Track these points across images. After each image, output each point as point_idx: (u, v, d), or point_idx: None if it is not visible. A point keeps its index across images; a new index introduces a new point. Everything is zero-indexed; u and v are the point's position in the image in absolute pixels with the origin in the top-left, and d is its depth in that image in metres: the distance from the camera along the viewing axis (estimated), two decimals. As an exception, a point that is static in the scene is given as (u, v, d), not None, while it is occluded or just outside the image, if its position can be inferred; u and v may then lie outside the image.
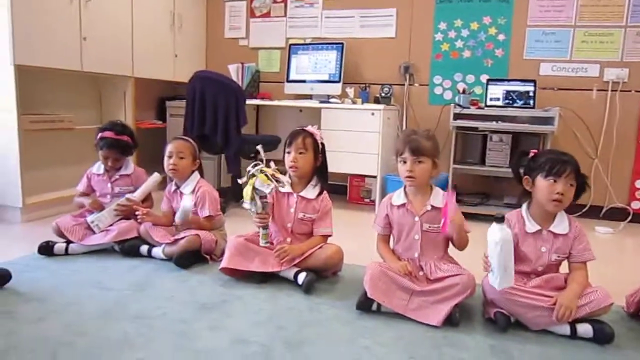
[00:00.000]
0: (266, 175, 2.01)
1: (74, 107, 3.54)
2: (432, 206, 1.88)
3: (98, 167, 2.60)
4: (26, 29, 2.86)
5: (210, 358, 1.48)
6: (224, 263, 2.07)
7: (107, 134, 2.50)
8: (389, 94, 3.85)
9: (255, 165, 2.03)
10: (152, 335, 1.61)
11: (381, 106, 3.57)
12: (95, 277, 2.10)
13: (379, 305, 1.80)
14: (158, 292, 1.97)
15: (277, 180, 2.04)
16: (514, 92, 3.51)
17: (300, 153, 2.13)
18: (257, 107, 4.35)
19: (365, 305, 1.81)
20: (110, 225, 2.42)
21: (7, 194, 2.98)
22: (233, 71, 4.22)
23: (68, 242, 2.39)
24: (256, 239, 2.14)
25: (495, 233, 1.58)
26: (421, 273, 1.87)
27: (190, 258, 2.26)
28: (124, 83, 3.72)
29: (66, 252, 2.36)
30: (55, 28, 3.05)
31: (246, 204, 2.06)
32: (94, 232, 2.42)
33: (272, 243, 2.17)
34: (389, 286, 1.80)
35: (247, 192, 2.03)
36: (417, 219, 1.89)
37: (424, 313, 1.75)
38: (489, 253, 1.63)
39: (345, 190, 4.03)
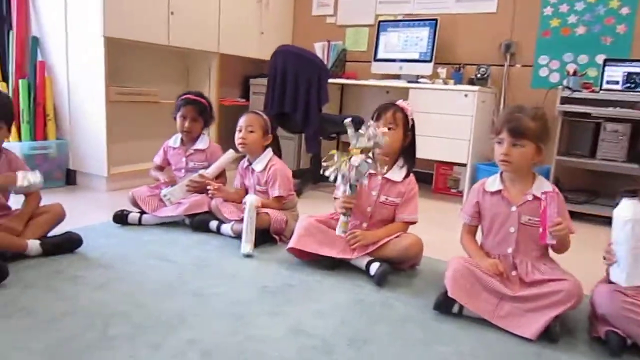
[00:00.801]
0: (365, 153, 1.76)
1: (160, 81, 3.59)
2: (534, 196, 1.58)
3: (174, 140, 2.58)
4: (117, 1, 2.89)
5: (263, 348, 1.34)
6: (291, 243, 1.92)
7: (185, 95, 2.53)
8: (485, 75, 3.48)
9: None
10: (208, 314, 1.51)
11: (476, 88, 3.23)
12: (162, 249, 2.06)
13: (460, 307, 1.55)
14: (221, 270, 1.87)
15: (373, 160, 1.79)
16: (637, 74, 3.01)
17: (390, 128, 1.91)
18: (342, 87, 4.17)
19: (445, 305, 1.57)
20: (183, 199, 2.37)
21: (95, 163, 3.07)
22: (319, 49, 4.07)
23: (142, 212, 2.38)
24: (329, 222, 1.97)
25: (624, 211, 1.28)
26: (514, 273, 1.59)
27: (259, 237, 2.14)
28: (209, 59, 3.71)
29: (139, 222, 2.36)
30: (144, 2, 3.07)
31: (331, 175, 1.79)
32: (166, 204, 2.39)
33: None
34: (475, 286, 1.54)
35: (340, 164, 1.79)
36: (514, 208, 1.61)
37: (515, 322, 1.47)
38: (614, 238, 1.33)
39: (430, 179, 3.74)
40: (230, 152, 2.47)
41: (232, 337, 1.38)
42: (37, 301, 1.53)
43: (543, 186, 1.59)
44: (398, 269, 1.92)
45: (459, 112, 3.23)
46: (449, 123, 3.26)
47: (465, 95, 3.21)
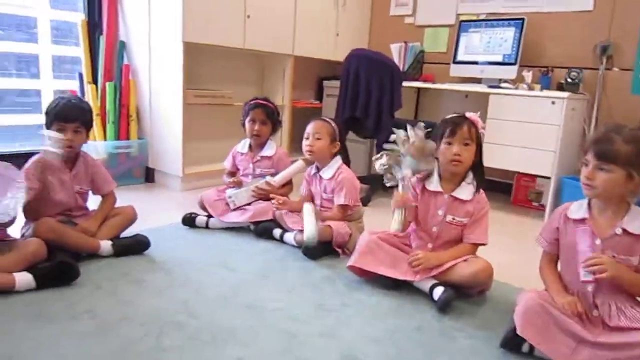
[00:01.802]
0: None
1: (234, 84, 3.65)
2: (624, 230, 1.39)
3: (243, 145, 2.61)
4: (195, 7, 2.97)
5: (312, 374, 1.29)
6: (352, 261, 1.85)
7: (253, 100, 2.56)
8: (576, 80, 3.18)
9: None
10: (260, 330, 1.48)
11: (565, 94, 2.96)
12: (225, 256, 2.07)
13: (531, 347, 1.41)
14: (279, 282, 1.85)
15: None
16: None
17: (466, 144, 1.78)
18: (418, 90, 4.01)
19: (513, 343, 1.43)
20: (248, 204, 2.39)
21: (171, 163, 3.19)
22: (395, 51, 3.95)
23: (209, 215, 2.42)
24: (392, 239, 1.89)
25: None
26: (595, 314, 1.41)
27: (320, 249, 2.10)
28: (284, 61, 3.72)
29: (206, 226, 2.40)
30: (221, 6, 3.13)
31: (380, 169, 1.86)
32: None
33: (409, 245, 1.90)
34: (549, 326, 1.38)
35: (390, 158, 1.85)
36: (598, 242, 1.42)
37: (595, 372, 1.31)
38: None
39: (509, 190, 3.50)
40: (299, 163, 2.45)
41: (282, 358, 1.35)
42: (101, 304, 1.59)
43: (637, 219, 1.39)
44: (465, 294, 1.79)
45: (545, 120, 2.98)
46: (533, 132, 3.02)
47: (553, 103, 2.95)
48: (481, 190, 1.86)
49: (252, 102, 2.54)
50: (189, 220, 2.40)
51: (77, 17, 3.37)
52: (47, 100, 3.32)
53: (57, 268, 1.69)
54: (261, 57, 3.77)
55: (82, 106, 1.97)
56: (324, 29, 3.96)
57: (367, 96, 3.01)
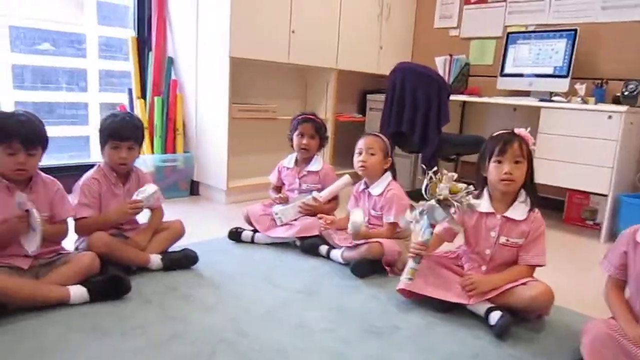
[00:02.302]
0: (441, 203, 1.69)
1: (278, 98, 3.67)
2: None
3: (289, 160, 2.60)
4: (242, 23, 3.01)
5: (367, 401, 1.24)
6: (401, 283, 1.79)
7: (301, 115, 2.57)
8: (635, 92, 3.03)
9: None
10: (310, 351, 1.45)
11: (623, 107, 2.82)
12: (271, 272, 2.06)
13: (600, 380, 1.32)
14: (327, 301, 1.81)
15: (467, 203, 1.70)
16: None
17: (517, 162, 1.71)
18: (463, 104, 3.93)
19: (580, 375, 1.35)
20: (294, 220, 2.37)
21: (216, 176, 3.22)
22: (440, 64, 3.89)
23: (255, 230, 2.42)
24: (443, 260, 1.83)
25: None
26: (671, 347, 1.31)
27: (369, 267, 2.06)
28: (327, 75, 3.72)
29: (252, 241, 2.40)
30: (267, 22, 3.16)
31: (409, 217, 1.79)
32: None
33: (461, 267, 1.84)
34: (618, 358, 1.29)
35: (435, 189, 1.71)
36: (674, 270, 1.33)
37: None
38: None
39: (560, 207, 3.36)
40: (346, 178, 2.42)
41: (334, 383, 1.31)
42: (152, 319, 1.59)
43: None
44: (522, 318, 1.70)
45: (601, 135, 2.84)
46: (587, 147, 2.89)
47: (610, 117, 2.82)
48: (536, 209, 1.78)
49: (300, 117, 2.54)
50: (235, 235, 2.40)
51: (123, 33, 3.49)
52: (94, 112, 3.45)
53: (110, 282, 1.71)
54: (304, 71, 3.78)
55: (135, 124, 2.01)
56: (367, 43, 3.94)
57: (413, 110, 2.97)
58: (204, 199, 3.34)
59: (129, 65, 3.48)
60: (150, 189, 1.99)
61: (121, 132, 1.93)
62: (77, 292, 1.65)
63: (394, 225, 2.16)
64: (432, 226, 1.74)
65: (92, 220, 1.91)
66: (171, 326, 1.56)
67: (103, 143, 1.96)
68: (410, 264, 1.76)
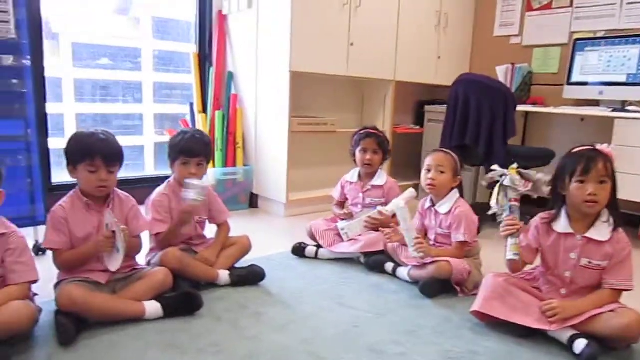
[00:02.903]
0: (520, 173, 1.71)
1: (336, 111, 3.67)
2: None
3: (352, 175, 2.58)
4: (302, 38, 3.03)
5: None
6: (476, 305, 1.72)
7: (364, 130, 2.54)
8: None
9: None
10: (388, 378, 1.41)
11: None
12: (337, 290, 2.03)
13: None
14: (398, 322, 1.77)
15: (531, 182, 1.71)
16: None
17: (602, 182, 1.60)
18: (526, 114, 3.79)
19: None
20: (359, 235, 2.34)
21: (275, 189, 3.24)
22: (501, 73, 3.77)
23: (318, 246, 2.41)
24: (521, 282, 1.74)
25: None
26: None
27: (438, 287, 1.99)
28: (385, 87, 3.68)
29: (315, 256, 2.39)
30: (326, 35, 3.16)
31: (493, 207, 1.75)
32: (342, 239, 2.39)
33: (538, 289, 1.74)
34: None
35: (495, 191, 1.75)
36: None
37: None
38: None
39: (636, 223, 3.16)
40: (410, 192, 2.37)
41: (416, 413, 1.26)
42: (225, 337, 1.60)
43: None
44: (609, 347, 1.59)
45: (684, 147, 2.66)
46: (667, 160, 2.71)
47: (694, 128, 2.63)
48: (620, 229, 1.66)
49: (362, 132, 2.51)
50: (299, 250, 2.40)
51: (178, 47, 3.61)
52: (148, 123, 3.58)
53: (184, 298, 1.73)
54: (361, 83, 3.76)
55: (204, 140, 2.05)
56: (425, 53, 3.87)
57: (478, 123, 2.87)
58: (263, 212, 3.36)
59: (182, 77, 3.60)
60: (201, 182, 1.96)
61: (191, 149, 1.97)
62: (152, 307, 1.69)
63: (464, 244, 2.09)
64: (512, 200, 1.73)
65: (164, 235, 1.95)
66: (245, 345, 1.55)
67: (173, 159, 2.01)
68: (510, 240, 1.71)
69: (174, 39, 3.62)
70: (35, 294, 1.63)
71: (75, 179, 1.75)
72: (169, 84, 3.67)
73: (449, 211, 2.12)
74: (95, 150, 1.68)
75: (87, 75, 3.27)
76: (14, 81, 2.36)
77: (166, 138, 3.55)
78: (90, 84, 3.30)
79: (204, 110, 3.51)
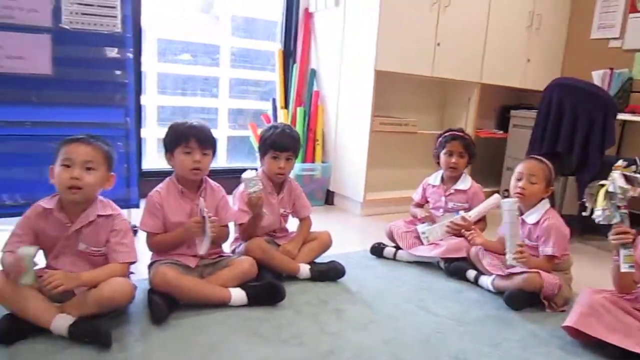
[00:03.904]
0: (626, 176, 1.58)
1: (416, 112, 3.61)
2: None
3: (435, 178, 2.52)
4: (389, 37, 3.00)
5: None
6: (570, 321, 1.62)
7: (449, 132, 2.47)
8: None
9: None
10: (473, 389, 1.36)
11: None
12: (417, 294, 2.00)
13: None
14: (482, 333, 1.70)
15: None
16: None
17: None
18: (623, 123, 3.52)
19: None
20: (440, 239, 2.29)
21: (353, 188, 3.24)
22: (597, 78, 3.53)
23: (397, 247, 2.38)
24: (621, 303, 1.62)
25: None
26: None
27: (525, 299, 1.90)
28: (469, 89, 3.57)
29: (394, 257, 2.36)
30: (413, 35, 3.11)
31: (598, 213, 1.61)
32: (422, 243, 2.34)
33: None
34: None
35: (600, 197, 1.60)
36: None
37: None
38: None
39: None
40: (496, 197, 2.28)
41: None
42: (306, 331, 1.62)
43: None
44: None
45: None
46: None
47: None
48: None
49: (448, 134, 2.45)
50: (377, 250, 2.38)
51: (255, 45, 3.70)
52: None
53: (267, 288, 1.77)
54: (445, 84, 3.67)
55: (294, 136, 2.08)
56: (514, 55, 3.72)
57: (572, 130, 2.71)
58: (338, 209, 3.37)
59: (258, 74, 3.71)
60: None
61: (282, 143, 2.01)
62: (237, 294, 1.74)
63: (552, 258, 1.98)
64: (621, 208, 1.59)
65: (245, 227, 2.00)
66: (326, 340, 1.56)
67: (263, 153, 2.06)
68: (623, 251, 1.58)
69: (251, 37, 3.70)
70: (132, 272, 1.73)
71: (170, 166, 1.84)
72: (245, 80, 3.76)
73: (537, 222, 2.01)
74: (190, 134, 1.77)
75: (170, 69, 3.43)
76: (117, 72, 2.52)
77: (242, 132, 3.67)
78: (172, 78, 3.46)
79: (286, 106, 3.57)
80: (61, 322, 1.44)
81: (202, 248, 1.73)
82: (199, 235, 1.73)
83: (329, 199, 3.46)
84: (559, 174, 3.06)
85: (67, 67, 2.39)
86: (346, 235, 2.74)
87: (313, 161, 3.42)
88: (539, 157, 2.11)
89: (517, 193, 2.03)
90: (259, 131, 3.15)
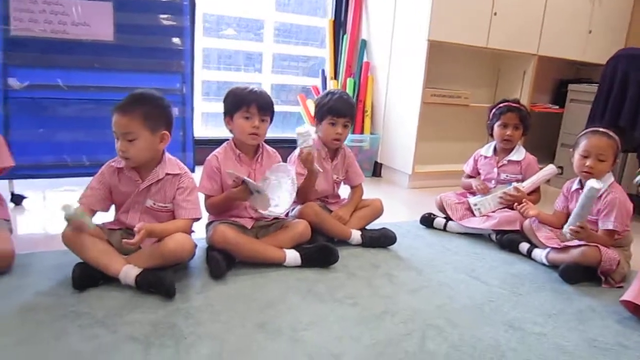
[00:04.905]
0: None
1: (469, 84, 3.53)
2: None
3: (487, 149, 2.48)
4: (443, 5, 2.93)
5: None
6: (629, 295, 1.59)
7: (504, 103, 2.40)
8: None
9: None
10: (526, 355, 1.36)
11: None
12: (469, 263, 1.99)
13: None
14: (536, 304, 1.69)
15: None
16: None
17: None
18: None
19: None
20: (492, 211, 2.26)
21: (401, 160, 3.23)
22: (665, 51, 3.34)
23: (447, 218, 2.37)
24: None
25: None
26: None
27: (581, 273, 1.87)
28: (525, 61, 3.45)
29: (444, 228, 2.35)
30: (469, 4, 3.03)
31: None
32: (473, 214, 2.32)
33: None
34: None
35: None
36: None
37: None
38: None
39: None
40: (551, 168, 2.23)
41: (562, 394, 1.21)
42: (360, 292, 1.65)
43: None
44: None
45: None
46: None
47: None
48: None
49: (503, 105, 2.39)
50: (427, 221, 2.38)
51: (299, 20, 3.66)
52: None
53: (321, 250, 1.81)
54: (499, 56, 3.56)
55: (350, 102, 2.09)
56: (574, 26, 3.56)
57: (637, 104, 2.59)
58: (385, 181, 3.37)
59: (301, 49, 3.69)
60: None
61: (339, 109, 2.02)
62: (292, 255, 1.79)
63: (612, 232, 1.92)
64: None
65: (301, 189, 2.03)
66: (380, 302, 1.59)
67: (320, 119, 2.07)
68: None
69: (294, 11, 3.68)
70: (192, 231, 1.80)
71: (228, 130, 1.89)
72: (288, 55, 3.75)
73: (600, 196, 1.95)
74: (250, 99, 1.80)
75: (214, 44, 3.46)
76: (175, 39, 2.58)
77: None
78: (216, 52, 3.49)
79: (336, 77, 3.56)
80: (129, 272, 1.53)
81: (261, 206, 1.75)
82: (247, 197, 1.76)
83: (376, 170, 3.46)
84: (622, 149, 2.95)
85: (128, 33, 2.47)
86: (394, 207, 2.74)
87: (362, 132, 3.42)
88: (605, 131, 1.99)
89: (585, 172, 1.95)
90: (312, 100, 3.18)
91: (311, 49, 3.75)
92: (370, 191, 2.78)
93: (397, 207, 2.74)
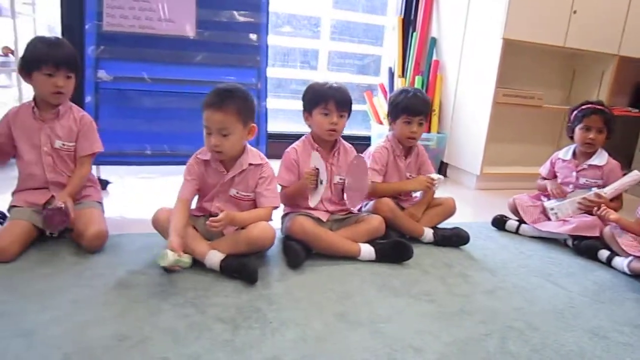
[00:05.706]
0: None
1: (543, 85, 3.42)
2: None
3: (565, 152, 2.40)
4: (520, 2, 2.85)
5: None
6: None
7: (587, 105, 2.31)
8: None
9: None
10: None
11: None
12: (545, 268, 1.95)
13: None
14: (619, 313, 1.62)
15: None
16: None
17: None
18: None
19: None
20: (570, 216, 2.19)
21: (469, 160, 3.18)
22: None
23: (520, 221, 2.32)
24: None
25: None
26: None
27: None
28: (604, 61, 3.30)
29: (516, 231, 2.31)
30: (547, 1, 2.93)
31: None
32: (548, 218, 2.26)
33: None
34: None
35: None
36: None
37: None
38: None
39: None
40: (635, 174, 2.13)
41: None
42: (436, 290, 1.65)
43: None
44: None
45: None
46: None
47: None
48: None
49: (586, 107, 2.30)
50: (499, 223, 2.34)
51: (355, 17, 3.66)
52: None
53: (396, 246, 1.83)
54: (575, 56, 3.43)
55: (425, 99, 2.09)
56: (660, 26, 3.36)
57: None
58: (451, 182, 3.34)
59: (357, 47, 3.69)
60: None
61: (414, 107, 2.03)
62: (366, 250, 1.82)
63: None
64: None
65: (385, 186, 2.05)
66: (456, 300, 1.59)
67: (395, 117, 2.08)
68: None
69: (351, 9, 3.67)
70: (271, 219, 1.86)
71: (307, 125, 1.94)
72: (344, 53, 3.76)
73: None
74: (329, 95, 1.84)
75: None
76: (252, 35, 2.66)
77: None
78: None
79: (403, 74, 3.55)
80: (213, 257, 1.61)
81: (313, 200, 1.80)
82: (310, 184, 1.80)
83: (442, 170, 3.43)
84: None
85: (208, 29, 2.57)
86: (461, 208, 2.66)
87: (429, 131, 3.39)
88: None
89: None
90: (384, 97, 3.19)
91: (367, 47, 3.75)
92: (437, 191, 2.76)
93: (464, 208, 2.70)
